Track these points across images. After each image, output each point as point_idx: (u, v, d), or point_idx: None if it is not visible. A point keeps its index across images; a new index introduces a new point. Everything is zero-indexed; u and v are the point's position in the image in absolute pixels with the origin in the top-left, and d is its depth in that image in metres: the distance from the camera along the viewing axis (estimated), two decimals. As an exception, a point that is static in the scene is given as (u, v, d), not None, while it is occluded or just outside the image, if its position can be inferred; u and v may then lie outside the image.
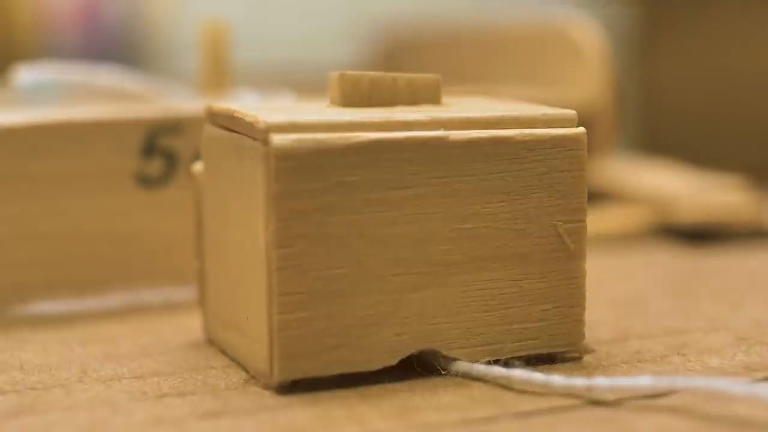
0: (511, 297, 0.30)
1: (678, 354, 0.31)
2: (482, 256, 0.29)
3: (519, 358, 0.30)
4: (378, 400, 0.28)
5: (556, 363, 0.30)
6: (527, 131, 0.30)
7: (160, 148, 0.37)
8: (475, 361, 0.29)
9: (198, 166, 0.33)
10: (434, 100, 0.31)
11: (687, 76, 1.22)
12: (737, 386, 0.27)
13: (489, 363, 0.30)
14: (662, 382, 0.28)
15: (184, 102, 0.38)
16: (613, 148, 0.54)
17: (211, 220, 0.32)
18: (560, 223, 0.30)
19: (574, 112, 0.30)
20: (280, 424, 0.26)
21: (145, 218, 0.37)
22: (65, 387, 0.29)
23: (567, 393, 0.28)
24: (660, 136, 1.22)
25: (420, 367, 0.29)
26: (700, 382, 0.27)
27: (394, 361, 0.29)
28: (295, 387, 0.28)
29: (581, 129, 0.30)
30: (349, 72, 0.31)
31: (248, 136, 0.29)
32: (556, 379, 0.28)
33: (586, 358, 0.31)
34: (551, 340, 0.30)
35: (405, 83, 0.31)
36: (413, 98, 0.31)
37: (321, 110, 0.30)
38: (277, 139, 0.27)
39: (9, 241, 0.36)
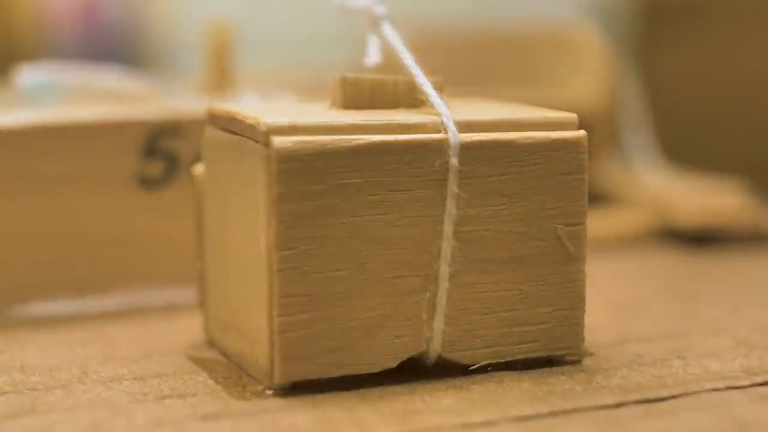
0: (511, 300, 0.30)
1: (678, 357, 0.31)
2: (483, 258, 0.29)
3: (519, 360, 0.30)
4: (378, 402, 0.28)
5: (555, 366, 0.30)
6: (528, 134, 0.30)
7: (160, 150, 0.37)
8: (475, 364, 0.29)
9: (199, 168, 0.33)
10: (435, 102, 0.31)
11: (687, 78, 1.22)
12: (737, 390, 0.27)
13: (489, 365, 0.30)
14: (662, 386, 0.28)
15: (185, 103, 0.38)
16: (614, 151, 0.54)
17: (211, 221, 0.32)
18: (561, 226, 0.30)
19: (575, 115, 0.30)
20: (281, 426, 0.26)
21: (145, 219, 0.37)
22: (66, 388, 0.29)
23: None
24: (660, 138, 1.22)
25: (420, 369, 0.29)
26: (700, 385, 0.28)
27: (394, 364, 0.29)
28: (295, 389, 0.28)
29: (582, 132, 0.30)
30: (351, 75, 0.31)
31: (249, 138, 0.29)
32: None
33: (586, 361, 0.31)
34: (551, 342, 0.30)
35: (406, 86, 0.31)
36: (414, 101, 0.31)
37: (322, 112, 0.30)
38: (279, 141, 0.27)
39: (9, 241, 0.36)
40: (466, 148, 0.29)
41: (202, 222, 0.33)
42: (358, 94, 0.31)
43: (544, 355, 0.30)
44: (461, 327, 0.29)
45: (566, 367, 0.30)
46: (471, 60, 0.60)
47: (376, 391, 0.28)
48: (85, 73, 0.41)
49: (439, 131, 0.29)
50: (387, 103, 0.31)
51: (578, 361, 0.31)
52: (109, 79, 0.41)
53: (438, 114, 0.29)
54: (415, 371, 0.29)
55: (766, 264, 0.44)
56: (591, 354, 0.31)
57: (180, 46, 1.10)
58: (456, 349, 0.29)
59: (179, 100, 0.39)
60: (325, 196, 0.28)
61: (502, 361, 0.30)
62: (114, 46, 1.15)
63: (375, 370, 0.29)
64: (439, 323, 0.29)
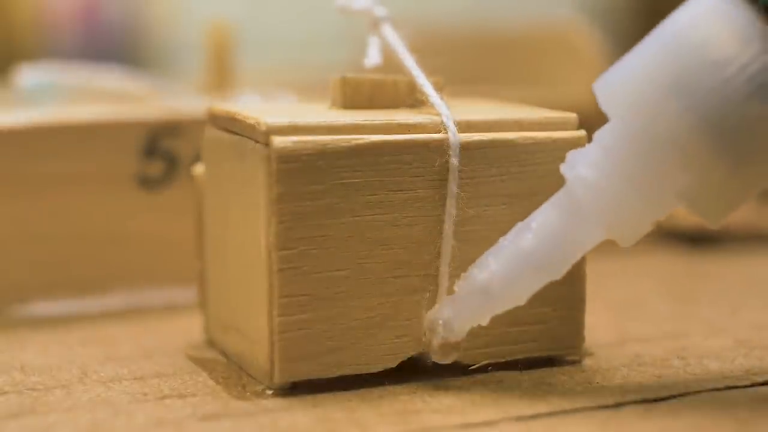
0: (511, 300, 0.30)
1: (678, 357, 0.31)
2: (483, 258, 0.29)
3: (519, 360, 0.30)
4: (378, 402, 0.28)
5: (555, 366, 0.30)
6: (528, 134, 0.30)
7: (161, 150, 0.37)
8: (475, 364, 0.30)
9: (199, 168, 0.33)
10: (435, 102, 0.31)
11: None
12: (737, 390, 0.27)
13: (489, 365, 0.30)
14: (662, 386, 0.28)
15: (185, 103, 0.38)
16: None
17: (211, 221, 0.32)
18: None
19: (575, 115, 0.30)
20: (281, 426, 0.26)
21: (145, 219, 0.37)
22: (66, 388, 0.29)
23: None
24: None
25: (420, 369, 0.29)
26: (700, 385, 0.27)
27: (394, 364, 0.29)
28: (295, 389, 0.28)
29: (582, 132, 0.30)
30: (351, 75, 0.31)
31: (249, 138, 0.29)
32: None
33: (586, 361, 0.31)
34: (551, 342, 0.30)
35: (406, 86, 0.31)
36: (414, 101, 0.31)
37: (322, 112, 0.30)
38: (278, 141, 0.28)
39: (9, 241, 0.36)
40: (466, 148, 0.29)
41: (202, 222, 0.33)
42: (358, 94, 0.31)
43: (544, 355, 0.30)
44: (461, 327, 0.29)
45: (566, 367, 0.30)
46: (471, 60, 0.60)
47: (376, 391, 0.28)
48: (85, 73, 0.41)
49: (439, 131, 0.29)
50: (387, 103, 0.31)
51: (578, 361, 0.31)
52: (109, 79, 0.41)
53: (438, 114, 0.29)
54: (415, 371, 0.29)
55: (766, 264, 0.44)
56: (591, 354, 0.31)
57: (180, 46, 1.10)
58: (456, 349, 0.29)
59: (179, 100, 0.39)
60: (325, 196, 0.28)
61: (502, 361, 0.30)
62: (114, 46, 1.15)
63: (375, 370, 0.29)
64: (439, 323, 0.29)
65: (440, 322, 0.28)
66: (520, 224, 0.28)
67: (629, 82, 0.27)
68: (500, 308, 0.28)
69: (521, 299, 0.28)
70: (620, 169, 0.27)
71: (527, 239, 0.27)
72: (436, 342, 0.28)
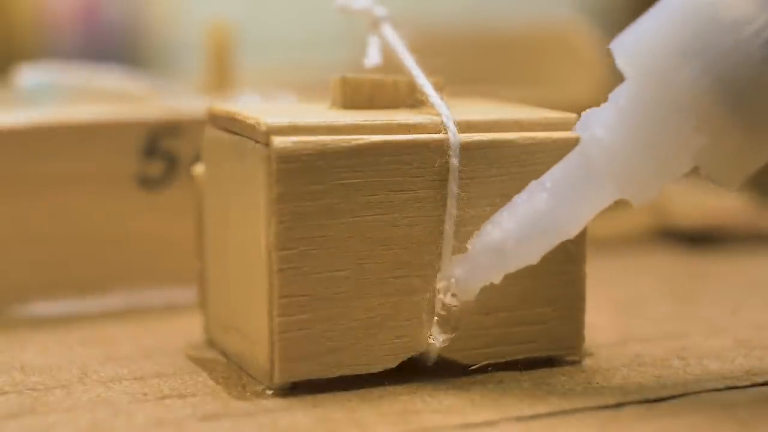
0: (510, 299, 0.30)
1: (678, 357, 0.31)
2: (483, 258, 0.29)
3: (519, 360, 0.30)
4: (378, 402, 0.28)
5: (555, 366, 0.30)
6: (528, 134, 0.30)
7: (161, 150, 0.37)
8: (475, 364, 0.30)
9: (199, 168, 0.33)
10: (435, 102, 0.31)
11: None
12: (737, 390, 0.27)
13: (489, 365, 0.30)
14: (662, 386, 0.28)
15: (185, 103, 0.38)
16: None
17: (211, 221, 0.32)
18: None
19: (575, 115, 0.30)
20: (281, 426, 0.26)
21: (145, 219, 0.37)
22: (66, 388, 0.29)
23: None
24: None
25: (420, 369, 0.29)
26: (700, 385, 0.27)
27: (394, 364, 0.29)
28: (295, 389, 0.28)
29: (582, 132, 0.30)
30: (351, 75, 0.31)
31: (249, 138, 0.29)
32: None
33: (586, 361, 0.31)
34: (551, 343, 0.30)
35: (406, 86, 0.31)
36: (414, 101, 0.31)
37: (322, 112, 0.30)
38: (279, 141, 0.28)
39: (9, 241, 0.36)
40: (466, 148, 0.29)
41: (202, 222, 0.33)
42: (358, 94, 0.31)
43: (544, 355, 0.30)
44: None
45: (566, 367, 0.30)
46: (471, 60, 0.60)
47: (376, 391, 0.28)
48: (85, 73, 0.41)
49: (439, 131, 0.29)
50: (387, 103, 0.31)
51: (578, 361, 0.31)
52: (109, 79, 0.41)
53: (438, 114, 0.29)
54: (415, 371, 0.29)
55: (766, 264, 0.44)
56: (591, 354, 0.31)
57: (180, 46, 1.10)
58: (456, 349, 0.29)
59: (179, 100, 0.39)
60: (325, 196, 0.28)
61: (502, 361, 0.30)
62: (114, 46, 1.15)
63: (375, 370, 0.29)
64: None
65: (452, 279, 0.28)
66: (534, 183, 0.28)
67: (645, 43, 0.27)
68: (513, 267, 0.28)
69: (534, 259, 0.28)
70: (634, 131, 0.27)
71: (542, 199, 0.28)
72: (447, 300, 0.28)
